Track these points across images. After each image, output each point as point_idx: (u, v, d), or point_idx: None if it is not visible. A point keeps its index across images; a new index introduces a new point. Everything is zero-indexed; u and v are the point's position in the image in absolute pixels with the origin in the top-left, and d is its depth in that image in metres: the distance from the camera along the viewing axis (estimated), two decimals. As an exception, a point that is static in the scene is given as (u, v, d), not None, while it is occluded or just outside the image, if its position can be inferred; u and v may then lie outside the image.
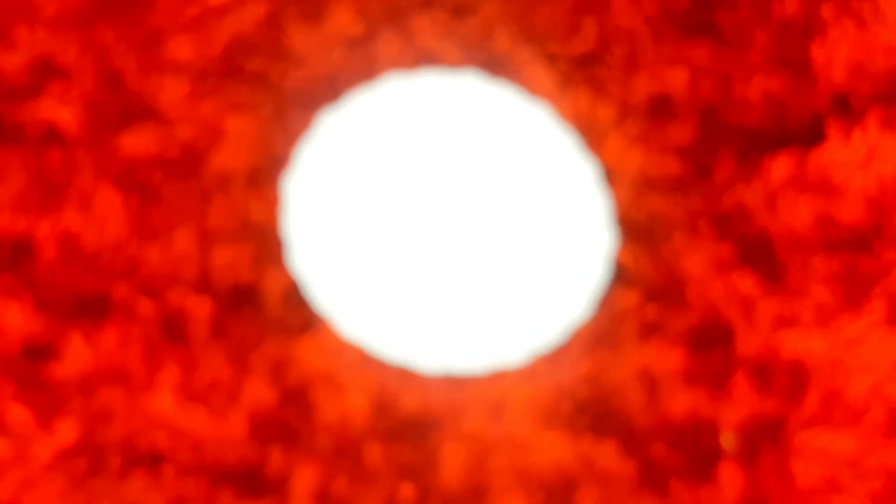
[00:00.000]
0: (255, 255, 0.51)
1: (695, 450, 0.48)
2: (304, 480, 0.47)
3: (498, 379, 0.49)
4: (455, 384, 0.49)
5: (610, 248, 0.51)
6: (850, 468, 0.48)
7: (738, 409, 0.49)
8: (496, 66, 0.56)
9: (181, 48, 0.56)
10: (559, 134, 0.49)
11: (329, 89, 0.55)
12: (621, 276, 0.52)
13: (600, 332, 0.51)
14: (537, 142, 0.50)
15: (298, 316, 0.50)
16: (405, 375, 0.49)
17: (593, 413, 0.49)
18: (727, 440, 0.48)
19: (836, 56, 0.58)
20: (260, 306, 0.50)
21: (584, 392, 0.49)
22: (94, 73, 0.55)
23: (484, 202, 0.52)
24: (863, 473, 0.48)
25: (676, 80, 0.57)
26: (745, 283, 0.52)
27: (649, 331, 0.51)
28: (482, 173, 0.52)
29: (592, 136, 0.55)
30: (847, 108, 0.56)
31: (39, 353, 0.48)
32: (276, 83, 0.55)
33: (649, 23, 0.58)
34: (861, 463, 0.48)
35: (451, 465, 0.48)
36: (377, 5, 0.58)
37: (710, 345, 0.50)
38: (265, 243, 0.51)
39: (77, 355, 0.48)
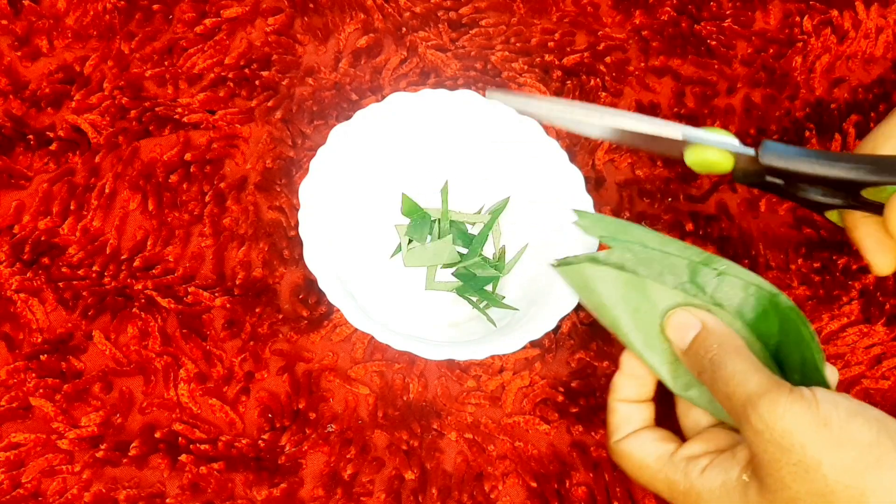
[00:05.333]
0: (268, 254, 0.50)
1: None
2: (314, 466, 0.46)
3: (496, 371, 0.49)
4: (456, 376, 0.48)
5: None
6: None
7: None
8: (494, 76, 0.55)
9: (198, 58, 0.55)
10: (552, 140, 0.49)
11: (337, 98, 0.54)
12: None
13: (592, 327, 0.50)
14: (532, 148, 0.49)
15: (309, 311, 0.49)
16: (409, 367, 0.48)
17: (585, 403, 0.48)
18: None
19: (816, 66, 0.57)
20: (272, 302, 0.49)
21: (576, 384, 0.48)
22: (114, 81, 0.54)
23: (481, 203, 0.52)
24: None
25: (663, 89, 0.56)
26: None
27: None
28: (480, 176, 0.51)
29: (584, 142, 0.54)
30: (826, 117, 0.56)
31: (62, 347, 0.47)
32: (288, 92, 0.54)
33: (637, 35, 0.57)
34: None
35: (452, 451, 0.47)
36: (382, 20, 0.57)
37: (696, 339, 0.50)
38: (277, 243, 0.51)
39: (98, 349, 0.47)
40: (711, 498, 0.34)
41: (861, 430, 0.31)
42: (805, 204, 0.40)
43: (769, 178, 0.38)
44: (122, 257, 0.49)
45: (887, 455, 0.30)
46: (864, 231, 0.40)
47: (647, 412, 0.39)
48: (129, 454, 0.45)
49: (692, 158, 0.39)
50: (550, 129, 0.54)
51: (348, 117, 0.48)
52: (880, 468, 0.30)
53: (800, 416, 0.31)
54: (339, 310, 0.44)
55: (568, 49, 0.56)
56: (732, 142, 0.38)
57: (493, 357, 0.48)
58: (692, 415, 0.39)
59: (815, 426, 0.31)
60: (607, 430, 0.39)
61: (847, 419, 0.31)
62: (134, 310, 0.48)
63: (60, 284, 0.48)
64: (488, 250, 0.50)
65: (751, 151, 0.38)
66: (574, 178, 0.48)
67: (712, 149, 0.38)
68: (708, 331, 0.36)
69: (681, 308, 0.37)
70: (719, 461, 0.35)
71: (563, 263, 0.39)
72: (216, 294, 0.49)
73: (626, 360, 0.39)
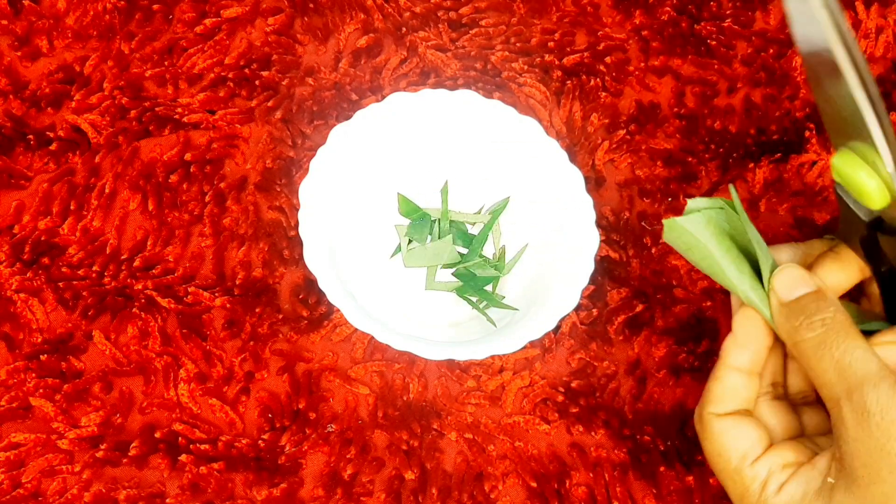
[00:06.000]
0: (268, 254, 0.50)
1: (682, 438, 0.47)
2: (314, 466, 0.46)
3: (496, 371, 0.49)
4: (456, 376, 0.48)
5: (600, 247, 0.50)
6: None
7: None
8: (494, 76, 0.55)
9: (198, 58, 0.55)
10: (552, 140, 0.49)
11: (337, 98, 0.54)
12: (612, 274, 0.51)
13: (592, 327, 0.50)
14: (532, 148, 0.49)
15: (309, 311, 0.49)
16: (409, 367, 0.48)
17: (585, 403, 0.48)
18: None
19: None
20: (272, 302, 0.49)
21: (576, 384, 0.48)
22: (114, 81, 0.54)
23: (481, 203, 0.52)
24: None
25: (663, 89, 0.56)
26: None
27: (638, 325, 0.50)
28: (480, 176, 0.51)
29: (584, 142, 0.54)
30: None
31: (62, 347, 0.47)
32: (288, 92, 0.54)
33: (637, 35, 0.57)
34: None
35: (452, 451, 0.47)
36: (382, 20, 0.57)
37: (697, 339, 0.50)
38: (277, 243, 0.51)
39: (98, 349, 0.47)
40: None
41: None
42: None
43: None
44: (122, 257, 0.49)
45: None
46: None
47: (754, 388, 0.36)
48: (129, 454, 0.45)
49: (840, 163, 0.31)
50: (550, 129, 0.54)
51: (348, 117, 0.48)
52: None
53: None
54: (339, 310, 0.44)
55: (568, 49, 0.56)
56: None
57: (493, 357, 0.48)
58: (767, 420, 0.37)
59: None
60: (705, 396, 0.36)
61: None
62: (134, 310, 0.48)
63: (60, 284, 0.48)
64: (488, 250, 0.50)
65: None
66: (574, 178, 0.48)
67: (867, 168, 0.30)
68: (823, 294, 0.34)
69: (795, 266, 0.35)
70: (799, 474, 0.33)
71: (670, 227, 0.37)
72: (216, 294, 0.49)
73: (739, 323, 0.36)
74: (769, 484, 0.33)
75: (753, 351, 0.36)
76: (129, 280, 0.49)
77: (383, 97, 0.49)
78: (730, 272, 0.36)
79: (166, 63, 0.54)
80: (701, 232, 0.36)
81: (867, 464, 0.30)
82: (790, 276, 0.35)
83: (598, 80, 0.55)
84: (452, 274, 0.50)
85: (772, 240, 0.52)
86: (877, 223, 0.33)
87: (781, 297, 0.35)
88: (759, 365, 0.37)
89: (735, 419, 0.36)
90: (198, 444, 0.46)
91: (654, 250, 0.51)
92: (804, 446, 0.36)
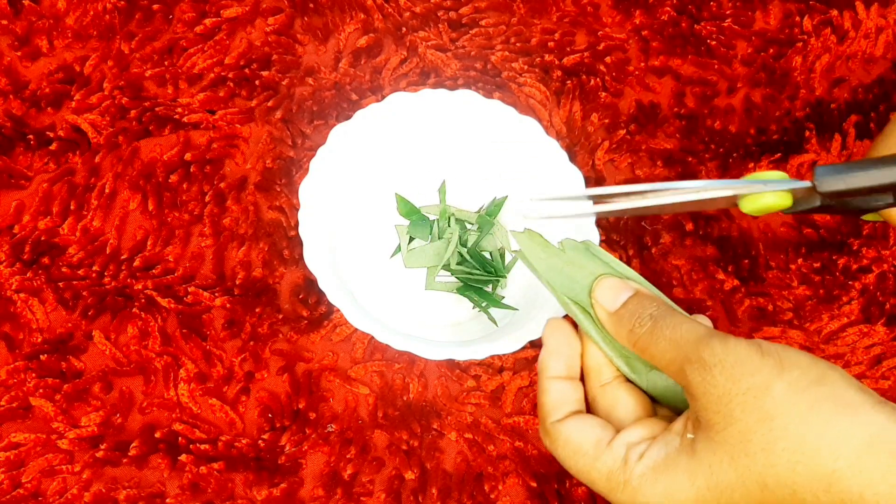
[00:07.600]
0: (268, 254, 0.50)
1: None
2: (314, 466, 0.46)
3: (496, 371, 0.49)
4: (456, 376, 0.48)
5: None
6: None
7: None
8: (494, 76, 0.55)
9: (198, 58, 0.55)
10: (552, 140, 0.49)
11: (337, 98, 0.54)
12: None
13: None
14: (532, 148, 0.49)
15: (309, 311, 0.49)
16: (409, 367, 0.48)
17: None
18: None
19: (816, 66, 0.57)
20: (272, 302, 0.49)
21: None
22: (114, 81, 0.54)
23: (481, 203, 0.52)
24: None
25: (663, 89, 0.56)
26: (729, 281, 0.51)
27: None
28: (480, 176, 0.51)
29: (584, 142, 0.54)
30: (826, 117, 0.56)
31: (62, 347, 0.47)
32: (288, 92, 0.54)
33: (637, 35, 0.57)
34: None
35: (452, 451, 0.47)
36: (382, 20, 0.57)
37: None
38: (277, 243, 0.51)
39: (98, 349, 0.47)
40: (655, 477, 0.34)
41: (798, 356, 0.33)
42: (848, 213, 0.40)
43: (824, 202, 0.39)
44: (122, 257, 0.49)
45: (828, 371, 0.32)
46: None
47: (580, 392, 0.39)
48: (129, 454, 0.45)
49: (750, 207, 0.39)
50: (550, 129, 0.54)
51: (348, 117, 0.48)
52: (822, 383, 0.32)
53: (748, 348, 0.33)
54: (339, 310, 0.44)
55: (568, 49, 0.56)
56: (786, 180, 0.39)
57: (493, 357, 0.48)
58: (620, 407, 0.39)
59: (760, 355, 0.33)
60: (541, 412, 0.38)
61: (782, 349, 0.33)
62: (134, 310, 0.48)
63: (60, 284, 0.48)
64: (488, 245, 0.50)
65: (807, 183, 0.38)
66: (574, 178, 0.48)
67: (769, 193, 0.39)
68: (644, 294, 0.37)
69: (609, 275, 0.38)
70: (658, 441, 0.35)
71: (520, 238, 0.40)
72: (216, 294, 0.49)
73: (549, 336, 0.38)
74: (630, 456, 0.35)
75: (568, 357, 0.38)
76: (129, 280, 0.49)
77: (383, 97, 0.49)
78: (548, 287, 0.40)
79: (166, 63, 0.54)
80: (529, 250, 0.40)
81: (718, 410, 0.33)
82: (609, 287, 0.38)
83: (598, 80, 0.55)
84: (452, 274, 0.50)
85: (772, 240, 0.52)
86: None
87: (607, 308, 0.37)
88: (576, 369, 0.39)
89: (576, 418, 0.38)
90: (198, 444, 0.46)
91: (654, 250, 0.51)
92: (654, 422, 0.38)
